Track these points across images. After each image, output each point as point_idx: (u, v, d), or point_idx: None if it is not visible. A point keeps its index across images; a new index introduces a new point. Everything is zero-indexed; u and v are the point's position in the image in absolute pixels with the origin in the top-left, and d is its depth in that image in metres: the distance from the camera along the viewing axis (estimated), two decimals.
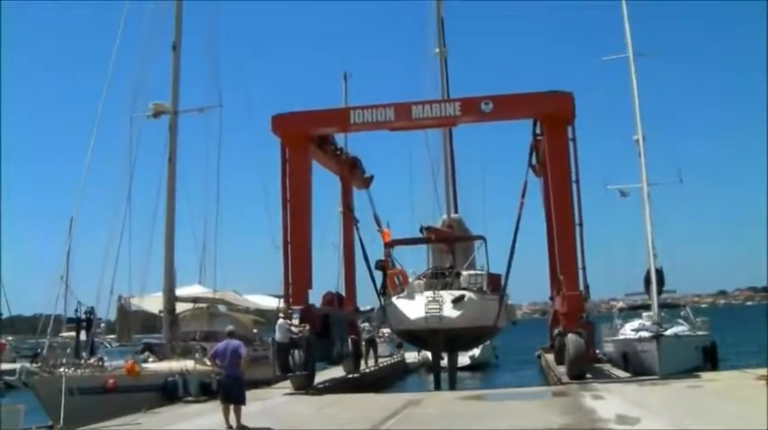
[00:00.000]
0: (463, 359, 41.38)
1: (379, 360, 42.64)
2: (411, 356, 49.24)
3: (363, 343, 40.13)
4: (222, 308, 36.92)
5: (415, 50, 48.64)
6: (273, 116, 28.92)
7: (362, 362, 38.82)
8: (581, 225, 28.66)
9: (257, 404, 22.87)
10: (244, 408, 18.30)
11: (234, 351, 18.12)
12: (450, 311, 28.62)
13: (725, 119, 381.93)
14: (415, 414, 20.02)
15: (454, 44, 63.06)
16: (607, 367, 32.52)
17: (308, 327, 27.39)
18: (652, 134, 34.38)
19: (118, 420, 19.72)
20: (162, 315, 31.93)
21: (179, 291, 32.69)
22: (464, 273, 31.77)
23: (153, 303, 32.90)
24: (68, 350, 29.37)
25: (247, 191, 63.58)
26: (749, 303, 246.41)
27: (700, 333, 34.24)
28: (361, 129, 31.14)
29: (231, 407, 18.02)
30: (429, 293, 29.59)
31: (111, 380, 25.03)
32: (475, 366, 46.86)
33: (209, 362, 20.53)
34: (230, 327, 19.79)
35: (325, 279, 40.68)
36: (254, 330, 35.11)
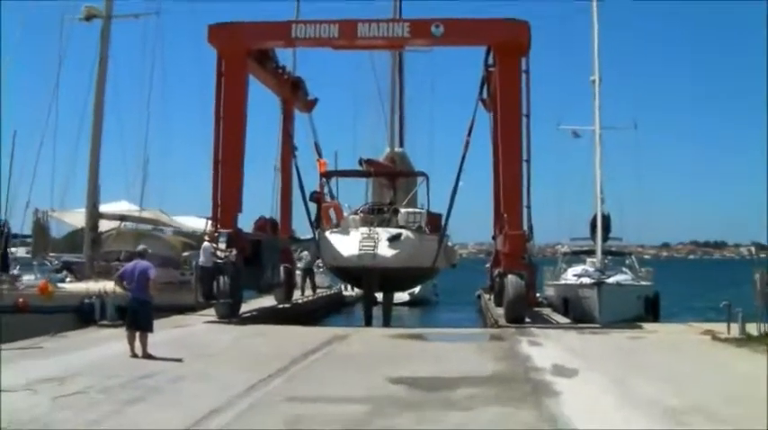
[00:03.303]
0: (402, 295, 40.56)
1: (317, 291, 41.35)
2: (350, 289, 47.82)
3: (300, 272, 39.25)
4: (151, 227, 35.19)
5: None
6: (210, 25, 26.87)
7: (300, 292, 38.05)
8: (528, 161, 27.33)
9: (174, 331, 21.81)
10: (156, 336, 16.94)
11: (142, 272, 16.48)
12: (385, 250, 27.52)
13: (692, 65, 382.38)
14: (338, 351, 18.72)
15: None
16: (547, 312, 31.59)
17: (235, 252, 25.83)
18: (611, 76, 33.55)
19: (20, 343, 18.05)
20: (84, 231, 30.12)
21: (103, 208, 30.86)
22: (402, 210, 30.45)
23: (75, 219, 31.12)
24: None
25: (188, 107, 61.47)
26: (691, 257, 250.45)
27: (643, 283, 33.68)
28: (303, 45, 29.68)
29: (138, 333, 16.49)
30: (364, 229, 28.49)
31: (21, 300, 23.21)
32: (413, 303, 45.96)
33: (115, 284, 18.87)
34: (141, 246, 18.12)
35: (263, 204, 39.42)
36: (185, 253, 33.31)
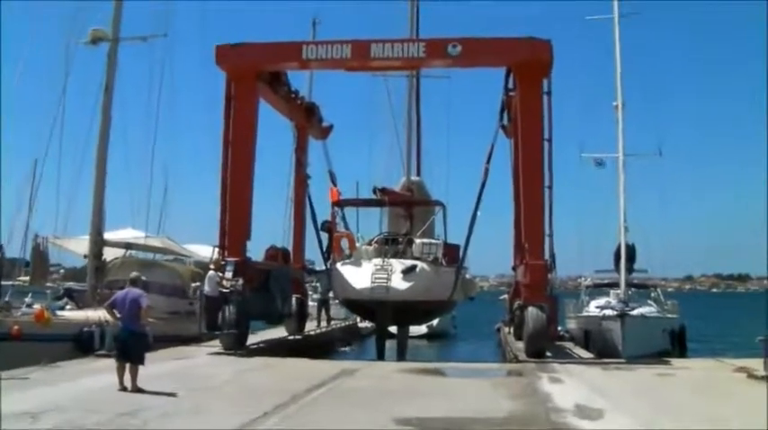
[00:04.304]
0: (419, 328, 39.53)
1: (332, 322, 40.36)
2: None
3: (316, 303, 38.65)
4: (158, 257, 34.15)
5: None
6: (218, 46, 26.02)
7: (316, 323, 37.41)
8: (551, 187, 26.02)
9: (174, 363, 20.76)
10: (154, 367, 16.08)
11: (133, 301, 15.39)
12: (398, 282, 26.26)
13: (718, 93, 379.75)
14: (344, 386, 17.42)
15: None
16: (569, 346, 30.23)
17: (241, 281, 24.73)
18: (634, 102, 32.85)
19: (8, 372, 17.03)
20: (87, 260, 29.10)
21: (108, 235, 29.84)
22: (417, 241, 29.24)
23: (78, 246, 30.10)
24: None
25: (201, 132, 60.54)
26: (714, 290, 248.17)
27: (668, 315, 32.61)
28: (315, 67, 28.92)
29: (128, 365, 15.34)
30: (378, 261, 27.23)
31: (15, 327, 22.11)
32: (431, 336, 45.03)
33: (106, 313, 17.74)
34: (134, 273, 16.83)
35: (275, 234, 38.40)
36: (194, 283, 32.24)
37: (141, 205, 30.50)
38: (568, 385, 17.84)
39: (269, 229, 40.29)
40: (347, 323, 43.34)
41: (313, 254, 33.97)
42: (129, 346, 15.35)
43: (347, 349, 37.56)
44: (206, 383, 17.28)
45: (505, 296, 40.84)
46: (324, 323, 38.61)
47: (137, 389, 15.07)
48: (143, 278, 17.26)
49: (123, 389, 15.12)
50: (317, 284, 39.27)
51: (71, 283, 29.29)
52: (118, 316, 15.81)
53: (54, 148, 28.54)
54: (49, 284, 29.54)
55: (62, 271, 33.45)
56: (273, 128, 33.92)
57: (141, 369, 15.48)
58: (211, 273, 25.42)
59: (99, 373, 17.35)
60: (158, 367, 18.18)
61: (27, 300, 24.97)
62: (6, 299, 24.36)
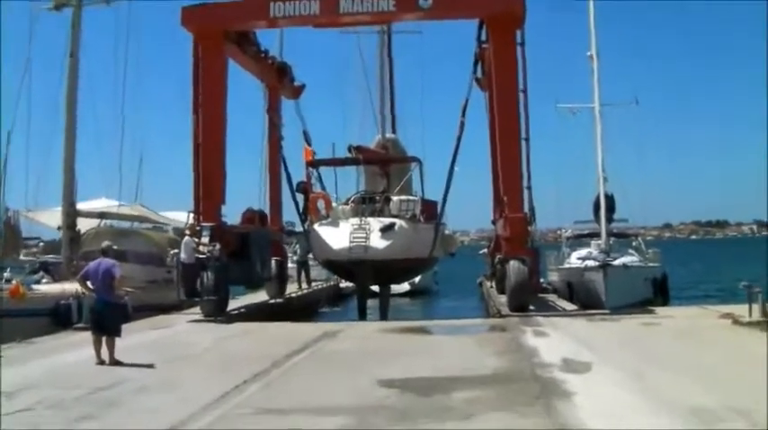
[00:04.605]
0: (402, 285, 39.27)
1: (312, 284, 39.85)
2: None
3: (295, 265, 38.04)
4: (135, 225, 33.58)
5: None
6: (183, 7, 25.34)
7: (296, 285, 36.92)
8: (527, 139, 25.75)
9: (153, 333, 20.31)
10: (133, 338, 15.79)
11: (106, 271, 14.91)
12: (377, 241, 26.06)
13: (693, 41, 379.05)
14: (326, 349, 17.14)
15: None
16: (552, 298, 30.16)
17: (218, 246, 24.30)
18: (610, 53, 32.52)
19: None
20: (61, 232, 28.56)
21: (82, 205, 29.28)
22: (395, 198, 28.92)
23: (50, 218, 29.55)
24: None
25: (174, 99, 59.86)
26: (693, 237, 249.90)
27: (650, 264, 32.49)
28: (284, 25, 28.25)
29: (104, 338, 14.96)
30: (355, 220, 27.01)
31: None
32: (414, 292, 44.89)
33: (79, 285, 17.27)
34: (106, 243, 16.34)
35: (252, 197, 37.98)
36: (172, 251, 31.75)
37: (114, 174, 29.99)
38: (553, 338, 17.66)
39: (245, 193, 39.94)
40: (329, 284, 43.04)
41: (291, 215, 33.67)
42: (105, 318, 14.94)
43: (329, 310, 37.34)
44: (186, 352, 16.98)
45: (486, 250, 40.70)
46: (304, 285, 38.17)
47: (115, 362, 14.69)
48: (114, 247, 16.72)
49: (101, 362, 14.73)
50: (297, 246, 38.76)
51: (47, 256, 28.75)
52: (91, 287, 15.39)
53: (22, 119, 28.07)
54: (23, 258, 28.97)
55: (41, 244, 32.92)
56: (245, 89, 33.33)
57: (119, 340, 15.10)
58: (187, 239, 24.97)
59: (76, 348, 16.88)
60: (138, 337, 17.81)
61: (6, 275, 24.57)
62: None
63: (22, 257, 29.12)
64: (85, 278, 15.49)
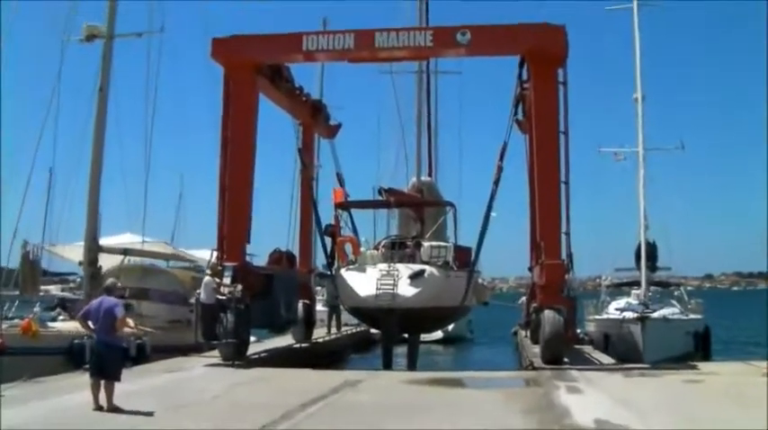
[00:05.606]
0: (435, 332, 38.30)
1: (343, 328, 38.94)
2: None
3: (327, 309, 37.42)
4: (161, 263, 32.84)
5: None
6: (214, 39, 24.74)
7: (326, 329, 36.33)
8: (567, 183, 24.56)
9: (164, 376, 19.32)
10: (141, 382, 15.31)
11: (107, 311, 13.96)
12: (405, 288, 24.73)
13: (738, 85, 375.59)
14: (344, 401, 16.02)
15: None
16: (588, 349, 28.86)
17: (240, 288, 23.34)
18: (654, 95, 31.72)
19: None
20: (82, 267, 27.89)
21: (105, 240, 28.60)
22: (426, 244, 27.78)
23: (73, 253, 28.90)
24: None
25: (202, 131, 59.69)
26: (734, 288, 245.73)
27: (692, 316, 31.24)
28: (318, 59, 28.00)
29: (102, 382, 13.98)
30: (383, 266, 25.79)
31: None
32: (447, 340, 43.79)
33: (80, 325, 16.35)
34: (110, 280, 15.47)
35: (281, 238, 37.08)
36: (197, 291, 31.02)
37: (139, 209, 29.30)
38: (588, 396, 16.38)
39: (276, 233, 39.15)
40: (359, 329, 41.96)
41: (324, 258, 32.80)
42: (104, 361, 13.98)
43: (358, 356, 36.28)
44: (193, 399, 15.96)
45: (523, 299, 39.59)
46: (334, 330, 37.27)
47: (113, 409, 13.71)
48: (119, 285, 15.85)
49: (99, 408, 13.76)
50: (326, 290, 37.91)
51: (65, 293, 28.07)
52: (92, 327, 14.45)
53: (46, 153, 27.61)
54: (55, 293, 28.38)
55: (78, 280, 32.04)
56: (281, 127, 32.65)
57: (126, 384, 14.27)
58: (207, 278, 24.04)
59: (80, 390, 15.87)
60: (148, 381, 17.10)
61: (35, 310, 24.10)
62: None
63: (54, 292, 28.61)
64: (86, 317, 14.57)
